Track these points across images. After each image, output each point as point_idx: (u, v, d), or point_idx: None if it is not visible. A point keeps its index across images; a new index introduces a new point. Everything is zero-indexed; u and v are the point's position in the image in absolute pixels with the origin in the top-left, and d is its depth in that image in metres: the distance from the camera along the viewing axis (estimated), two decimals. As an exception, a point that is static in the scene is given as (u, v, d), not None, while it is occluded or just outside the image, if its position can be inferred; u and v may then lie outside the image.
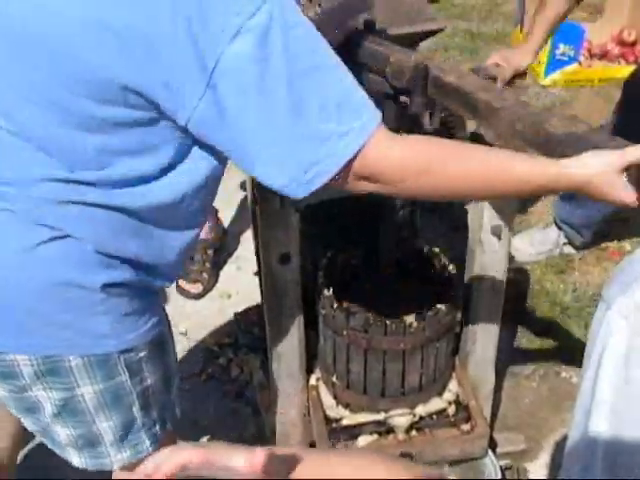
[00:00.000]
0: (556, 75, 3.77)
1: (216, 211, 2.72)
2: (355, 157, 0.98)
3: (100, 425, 1.22)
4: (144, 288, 1.19)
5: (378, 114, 1.01)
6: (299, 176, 0.98)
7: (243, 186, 2.94)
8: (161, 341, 1.26)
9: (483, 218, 1.58)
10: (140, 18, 0.91)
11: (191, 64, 0.92)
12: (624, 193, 1.01)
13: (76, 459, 1.26)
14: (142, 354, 1.21)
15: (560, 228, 2.62)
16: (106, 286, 1.11)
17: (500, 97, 1.25)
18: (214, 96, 0.93)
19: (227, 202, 2.94)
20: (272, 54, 0.92)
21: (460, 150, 1.08)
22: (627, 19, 3.88)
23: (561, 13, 1.91)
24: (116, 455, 1.26)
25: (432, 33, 1.64)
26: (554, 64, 3.75)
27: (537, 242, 2.64)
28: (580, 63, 3.77)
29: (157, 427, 1.29)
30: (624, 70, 3.54)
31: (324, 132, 0.96)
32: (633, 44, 3.84)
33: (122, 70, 0.94)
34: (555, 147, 1.10)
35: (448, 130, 1.59)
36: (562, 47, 3.70)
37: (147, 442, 1.27)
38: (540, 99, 3.66)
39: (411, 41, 1.64)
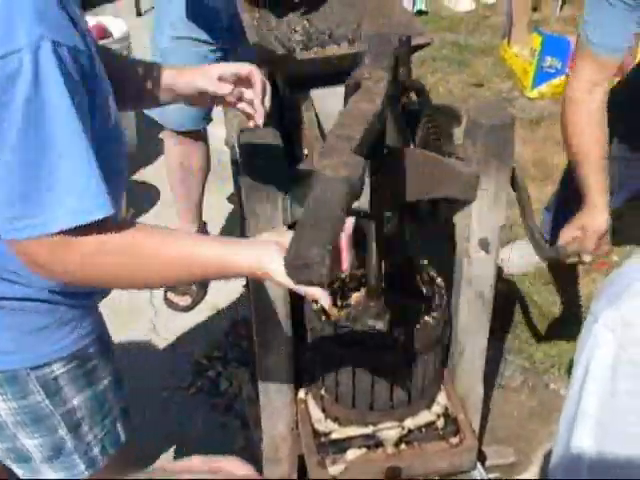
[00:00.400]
0: (543, 87, 3.79)
1: (204, 224, 2.72)
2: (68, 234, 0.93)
3: (24, 441, 1.20)
4: (56, 302, 1.14)
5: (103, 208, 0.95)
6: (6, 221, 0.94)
7: (231, 199, 2.95)
8: (88, 358, 1.22)
9: (470, 231, 1.59)
10: None
11: None
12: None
13: (16, 471, 1.24)
14: (59, 371, 1.17)
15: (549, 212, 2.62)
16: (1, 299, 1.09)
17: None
18: None
19: (217, 213, 2.94)
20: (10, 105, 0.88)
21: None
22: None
23: (603, 151, 1.80)
24: (51, 474, 1.23)
25: (420, 47, 1.65)
26: (541, 76, 3.77)
27: (526, 253, 2.64)
28: (567, 75, 3.79)
29: (95, 451, 1.25)
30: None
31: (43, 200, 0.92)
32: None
33: None
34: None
35: (435, 141, 1.60)
36: (549, 60, 3.73)
37: (82, 466, 1.24)
38: (527, 111, 3.68)
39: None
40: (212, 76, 1.25)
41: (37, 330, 1.14)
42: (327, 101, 1.67)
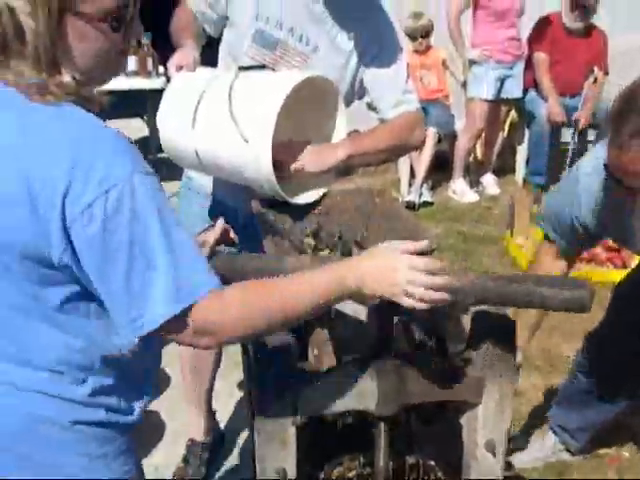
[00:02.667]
0: (547, 278, 3.90)
1: (214, 412, 2.72)
2: (185, 315, 1.11)
3: None
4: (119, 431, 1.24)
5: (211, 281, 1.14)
6: (129, 323, 1.12)
7: (241, 386, 2.96)
8: None
9: (477, 433, 1.60)
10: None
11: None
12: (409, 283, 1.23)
13: None
14: None
15: (556, 433, 2.61)
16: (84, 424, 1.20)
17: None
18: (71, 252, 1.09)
19: (226, 399, 2.95)
20: (116, 230, 1.08)
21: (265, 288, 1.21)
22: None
23: None
24: None
25: (426, 253, 1.74)
26: (544, 268, 3.89)
27: (534, 449, 2.62)
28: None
29: None
30: (613, 274, 3.68)
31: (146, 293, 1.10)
32: (619, 250, 4.02)
33: None
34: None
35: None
36: (551, 252, 3.86)
37: None
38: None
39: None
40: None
41: (101, 457, 1.23)
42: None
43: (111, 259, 1.08)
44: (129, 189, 1.07)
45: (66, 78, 1.14)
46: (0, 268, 1.13)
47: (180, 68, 1.89)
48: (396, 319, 1.53)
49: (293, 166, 1.82)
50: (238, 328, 1.17)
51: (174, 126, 1.86)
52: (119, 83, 4.79)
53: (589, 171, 1.82)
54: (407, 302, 1.24)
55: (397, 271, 1.23)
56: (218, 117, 1.74)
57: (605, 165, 1.58)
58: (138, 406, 1.30)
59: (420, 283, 1.23)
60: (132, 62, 4.81)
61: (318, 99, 1.91)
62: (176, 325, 1.12)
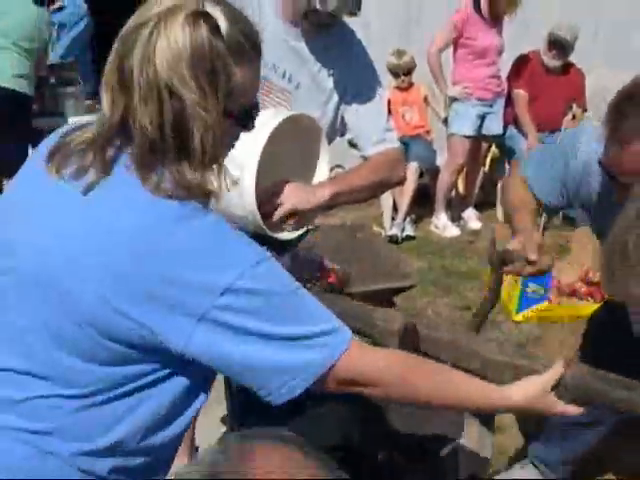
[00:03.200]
0: (528, 312, 3.94)
1: (196, 448, 2.71)
2: (331, 368, 1.14)
3: None
4: None
5: (348, 331, 1.18)
6: (277, 389, 1.13)
7: (224, 420, 2.95)
8: None
9: (459, 467, 1.62)
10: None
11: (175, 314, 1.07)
12: (561, 408, 1.35)
13: None
14: None
15: (537, 467, 2.62)
16: None
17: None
18: (203, 332, 1.08)
19: (209, 435, 2.93)
20: (254, 311, 1.08)
21: (431, 373, 1.26)
22: (592, 260, 4.14)
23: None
24: None
25: (404, 289, 1.78)
26: (525, 302, 3.93)
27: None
28: (550, 301, 3.96)
29: None
30: (592, 308, 3.71)
31: (302, 355, 1.13)
32: (599, 284, 4.06)
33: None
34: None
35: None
36: (532, 286, 3.91)
37: None
38: (513, 335, 3.80)
39: (386, 295, 1.78)
40: None
41: None
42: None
43: (245, 340, 1.10)
44: (259, 274, 1.09)
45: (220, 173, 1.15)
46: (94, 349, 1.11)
47: None
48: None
49: (279, 209, 1.84)
50: (384, 383, 1.21)
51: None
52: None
53: (585, 158, 1.83)
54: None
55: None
56: None
57: (600, 162, 1.58)
58: None
59: None
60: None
61: (301, 136, 1.94)
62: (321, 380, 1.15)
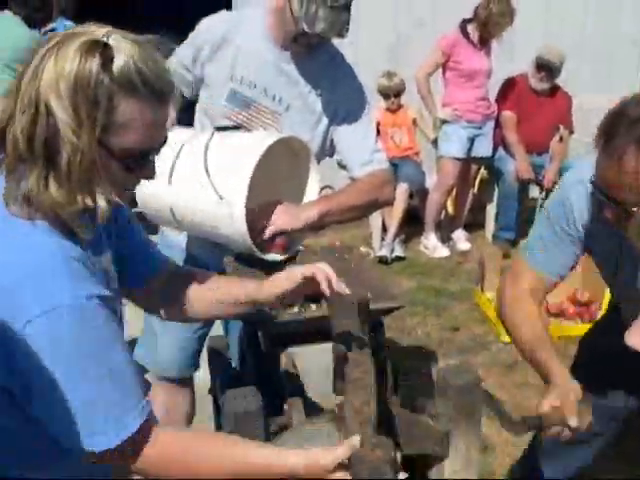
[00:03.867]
0: (517, 332, 3.95)
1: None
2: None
3: None
4: None
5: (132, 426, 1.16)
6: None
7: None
8: None
9: (445, 487, 1.62)
10: None
11: None
12: None
13: None
14: None
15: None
16: None
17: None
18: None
19: None
20: (48, 355, 1.10)
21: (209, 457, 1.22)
22: (580, 280, 4.17)
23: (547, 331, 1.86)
24: None
25: (392, 310, 1.79)
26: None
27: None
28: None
29: None
30: (581, 329, 3.73)
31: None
32: (587, 304, 4.09)
33: None
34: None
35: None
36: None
37: None
38: (502, 356, 3.81)
39: (375, 316, 1.79)
40: (297, 278, 1.42)
41: None
42: (305, 357, 1.78)
43: (45, 382, 1.11)
44: (79, 320, 1.10)
45: (99, 201, 1.15)
46: None
47: None
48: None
49: (268, 229, 1.86)
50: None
51: (150, 183, 1.90)
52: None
53: (574, 181, 1.76)
54: None
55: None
56: (194, 175, 1.79)
57: (592, 182, 1.56)
58: None
59: None
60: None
61: (291, 157, 1.97)
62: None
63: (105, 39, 1.11)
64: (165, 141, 1.21)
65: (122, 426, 1.15)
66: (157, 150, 1.21)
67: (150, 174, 1.22)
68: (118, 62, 1.10)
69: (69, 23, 4.93)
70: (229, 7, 5.47)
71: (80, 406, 1.12)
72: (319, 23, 1.87)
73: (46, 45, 1.12)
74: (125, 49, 1.11)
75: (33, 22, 4.21)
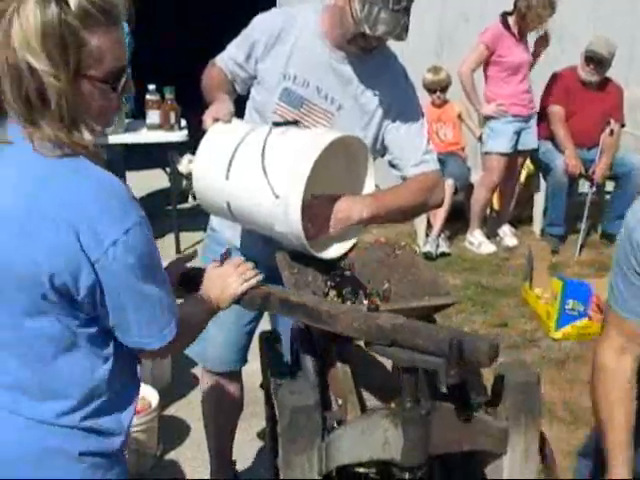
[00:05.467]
0: (567, 328, 3.91)
1: (234, 461, 2.72)
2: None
3: None
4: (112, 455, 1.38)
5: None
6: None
7: (261, 435, 2.96)
8: None
9: (502, 485, 1.61)
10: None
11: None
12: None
13: None
14: None
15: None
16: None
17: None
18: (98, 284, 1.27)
19: (247, 450, 2.95)
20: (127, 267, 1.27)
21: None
22: None
23: (629, 424, 1.72)
24: None
25: (444, 307, 1.78)
26: (565, 318, 3.90)
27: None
28: (590, 317, 3.92)
29: None
30: None
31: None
32: None
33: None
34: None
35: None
36: (571, 303, 3.88)
37: None
38: (553, 352, 3.77)
39: (426, 312, 1.78)
40: None
41: None
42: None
43: (118, 294, 1.29)
44: (138, 234, 1.26)
45: (85, 134, 1.28)
46: (33, 300, 1.26)
47: (216, 120, 1.97)
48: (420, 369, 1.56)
49: (322, 226, 1.87)
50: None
51: (208, 176, 1.92)
52: (142, 136, 4.90)
53: (635, 222, 1.67)
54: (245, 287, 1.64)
55: (231, 275, 1.63)
56: (251, 171, 1.80)
57: None
58: (125, 426, 1.41)
59: (246, 269, 1.66)
60: (155, 115, 4.90)
61: (347, 156, 1.97)
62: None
63: None
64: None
65: (174, 322, 1.37)
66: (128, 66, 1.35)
67: (130, 87, 1.35)
68: (72, 2, 1.21)
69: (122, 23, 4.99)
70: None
71: (151, 307, 1.33)
72: (380, 26, 1.86)
73: (5, 15, 1.20)
74: None
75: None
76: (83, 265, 1.23)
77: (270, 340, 2.09)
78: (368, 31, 1.88)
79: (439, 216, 5.06)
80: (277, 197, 1.76)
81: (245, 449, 2.97)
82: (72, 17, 1.20)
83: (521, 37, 4.96)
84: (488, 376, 1.76)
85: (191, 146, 2.18)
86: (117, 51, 1.28)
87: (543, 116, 5.21)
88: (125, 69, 1.32)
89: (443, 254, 5.08)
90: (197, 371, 3.07)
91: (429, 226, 5.22)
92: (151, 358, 1.53)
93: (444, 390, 1.49)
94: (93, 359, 1.33)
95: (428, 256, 4.97)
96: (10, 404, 1.30)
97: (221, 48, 2.24)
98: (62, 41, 1.20)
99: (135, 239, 1.25)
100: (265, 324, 2.48)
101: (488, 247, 5.21)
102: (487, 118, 5.10)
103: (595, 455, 2.45)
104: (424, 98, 5.15)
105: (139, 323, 1.32)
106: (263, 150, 1.80)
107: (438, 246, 5.09)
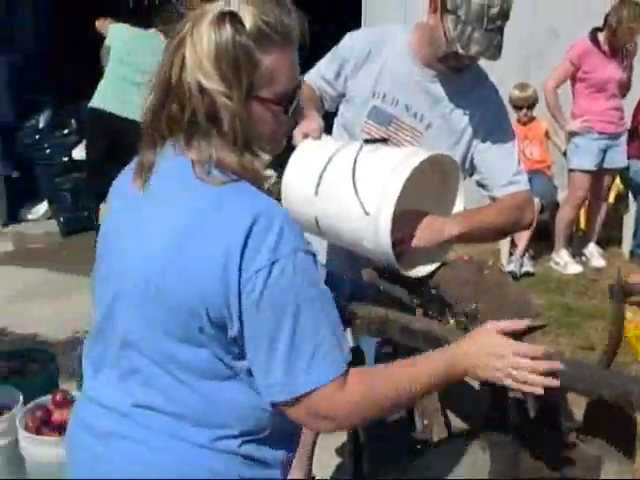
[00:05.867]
0: (658, 355, 3.76)
1: (313, 478, 2.73)
2: (306, 396, 1.18)
3: None
4: None
5: (340, 366, 1.20)
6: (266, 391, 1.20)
7: (340, 452, 2.96)
8: None
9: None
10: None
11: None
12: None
13: None
14: None
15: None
16: None
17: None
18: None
19: (326, 467, 2.95)
20: (271, 302, 1.16)
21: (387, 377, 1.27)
22: None
23: None
24: None
25: (534, 329, 1.74)
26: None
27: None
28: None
29: None
30: None
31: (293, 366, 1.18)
32: None
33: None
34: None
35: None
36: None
37: None
38: (642, 379, 3.63)
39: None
40: None
41: None
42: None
43: (260, 326, 1.17)
44: (291, 265, 1.17)
45: (255, 159, 1.23)
46: (191, 332, 1.21)
47: (305, 136, 1.99)
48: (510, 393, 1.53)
49: (410, 243, 1.86)
50: (356, 417, 1.25)
51: (297, 191, 1.94)
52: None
53: None
54: (514, 386, 1.32)
55: (503, 359, 1.31)
56: (341, 187, 1.82)
57: None
58: (283, 460, 1.33)
59: (525, 368, 1.31)
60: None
61: (437, 174, 1.96)
62: (296, 406, 1.20)
63: (227, 8, 1.20)
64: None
65: (337, 366, 1.20)
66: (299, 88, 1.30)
67: (302, 109, 1.33)
68: (247, 22, 1.19)
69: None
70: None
71: (305, 343, 1.18)
72: (473, 45, 1.85)
73: (176, 38, 1.21)
74: (247, 10, 1.20)
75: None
76: (236, 297, 1.17)
77: (354, 357, 2.10)
78: (461, 50, 1.87)
79: (524, 235, 4.97)
80: (367, 214, 1.76)
81: (324, 465, 2.97)
82: (246, 37, 1.19)
83: (613, 53, 4.83)
84: (575, 401, 1.72)
85: (275, 162, 2.21)
86: (290, 72, 1.25)
87: (634, 134, 5.06)
88: (298, 91, 1.29)
89: (527, 274, 4.98)
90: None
91: (513, 245, 5.13)
92: (309, 424, 1.27)
93: (533, 415, 1.47)
94: (251, 391, 1.25)
95: (512, 276, 4.87)
96: (171, 429, 1.25)
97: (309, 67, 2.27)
98: (235, 62, 1.18)
99: (289, 270, 1.17)
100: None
101: (574, 267, 5.08)
102: (572, 134, 4.99)
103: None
104: (510, 115, 5.08)
105: (277, 362, 1.19)
106: (354, 167, 1.81)
107: (522, 265, 4.99)
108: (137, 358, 1.26)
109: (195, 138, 1.21)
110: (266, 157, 1.25)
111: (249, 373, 1.23)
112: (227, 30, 1.18)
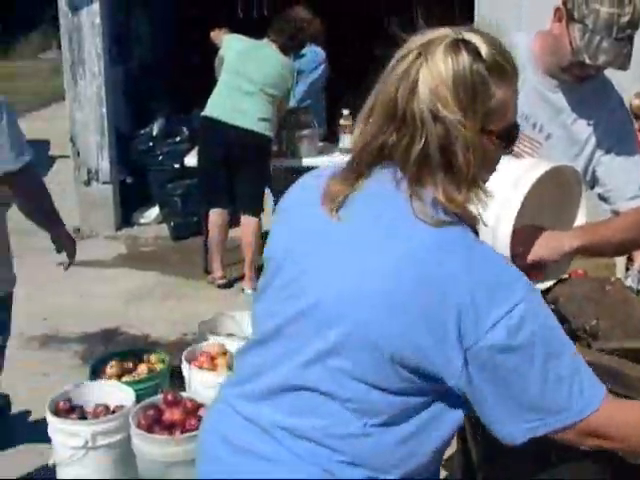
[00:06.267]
0: None
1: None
2: (582, 419, 1.14)
3: None
4: None
5: (603, 388, 1.17)
6: (522, 429, 1.14)
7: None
8: None
9: None
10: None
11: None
12: None
13: None
14: None
15: None
16: None
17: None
18: (467, 371, 1.12)
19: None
20: (520, 346, 1.11)
21: None
22: None
23: None
24: None
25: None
26: None
27: None
28: None
29: None
30: None
31: (560, 398, 1.13)
32: None
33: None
34: None
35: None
36: None
37: None
38: None
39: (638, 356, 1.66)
40: None
41: None
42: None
43: (511, 374, 1.12)
44: (530, 308, 1.13)
45: (487, 193, 1.19)
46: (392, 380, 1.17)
47: None
48: None
49: (528, 257, 1.80)
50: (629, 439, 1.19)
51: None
52: (335, 159, 4.99)
53: None
54: None
55: None
56: None
57: None
58: None
59: None
60: (347, 139, 4.96)
61: (558, 186, 1.89)
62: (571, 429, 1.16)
63: (460, 36, 1.16)
64: None
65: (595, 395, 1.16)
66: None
67: (514, 142, 1.25)
68: (484, 51, 1.15)
69: (318, 49, 5.16)
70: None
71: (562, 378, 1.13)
72: (601, 55, 1.78)
73: (401, 64, 1.16)
74: (480, 39, 1.17)
75: (287, 49, 4.47)
76: (456, 353, 1.11)
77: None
78: (588, 60, 1.80)
79: (641, 249, 4.74)
80: (485, 225, 1.71)
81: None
82: (483, 67, 1.14)
83: None
84: None
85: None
86: (515, 106, 1.22)
87: None
88: (517, 126, 1.25)
89: (650, 293, 4.74)
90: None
91: (629, 259, 4.90)
92: None
93: None
94: (423, 438, 1.20)
95: (630, 291, 4.67)
96: (326, 464, 1.20)
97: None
98: (473, 91, 1.13)
99: (537, 304, 1.15)
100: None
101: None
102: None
103: None
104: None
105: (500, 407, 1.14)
106: None
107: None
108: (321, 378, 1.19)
109: (424, 171, 1.16)
110: (489, 195, 1.20)
111: (423, 425, 1.19)
112: (464, 57, 1.13)
